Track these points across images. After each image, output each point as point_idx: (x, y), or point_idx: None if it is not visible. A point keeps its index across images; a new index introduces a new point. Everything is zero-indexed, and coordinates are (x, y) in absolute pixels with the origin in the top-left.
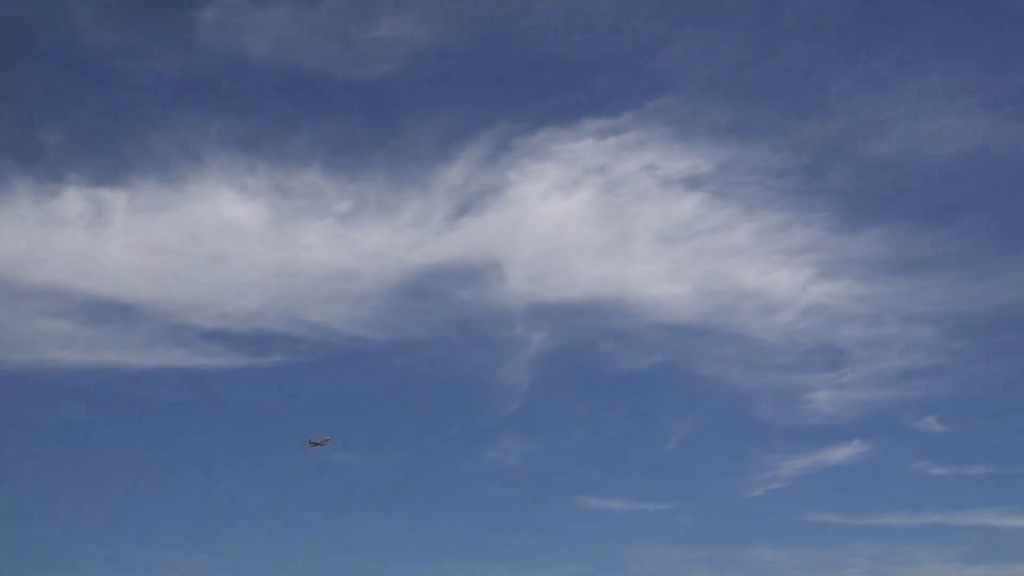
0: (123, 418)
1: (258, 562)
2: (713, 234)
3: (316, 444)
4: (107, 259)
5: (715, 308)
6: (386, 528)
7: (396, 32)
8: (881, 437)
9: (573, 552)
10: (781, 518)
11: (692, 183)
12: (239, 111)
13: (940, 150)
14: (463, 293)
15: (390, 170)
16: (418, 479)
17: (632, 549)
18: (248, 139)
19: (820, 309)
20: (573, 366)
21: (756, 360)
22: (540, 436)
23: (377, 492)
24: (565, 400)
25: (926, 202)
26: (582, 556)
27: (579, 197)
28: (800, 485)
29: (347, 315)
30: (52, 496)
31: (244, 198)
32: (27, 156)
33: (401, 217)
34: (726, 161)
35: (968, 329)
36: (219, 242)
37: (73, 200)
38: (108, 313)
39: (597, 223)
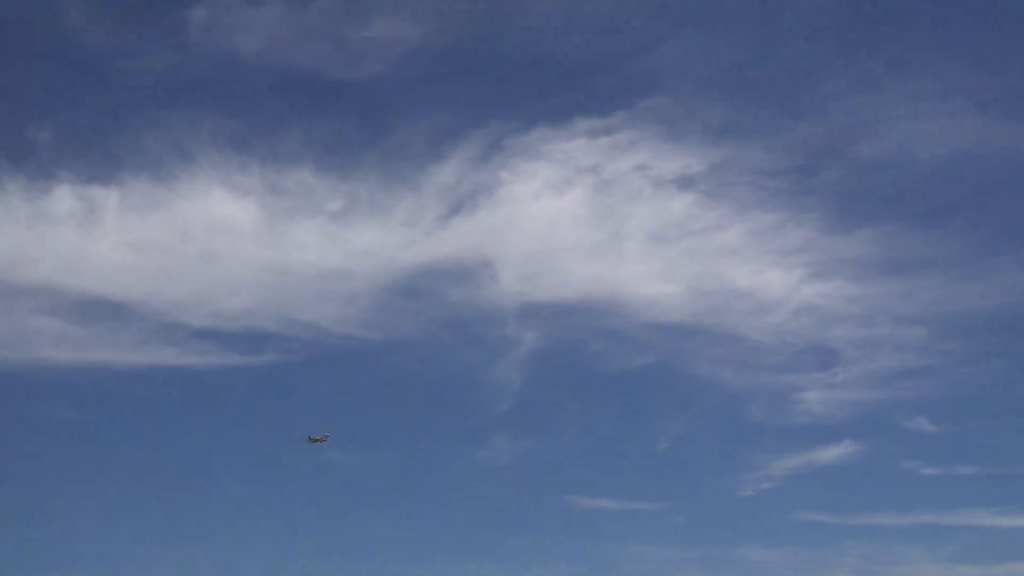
0: (114, 416)
1: (249, 560)
2: (705, 234)
3: (316, 440)
4: (98, 257)
5: (707, 308)
6: (377, 527)
7: (388, 32)
8: (872, 437)
9: (565, 551)
10: (772, 517)
11: (684, 183)
12: (231, 110)
13: (932, 151)
14: (455, 292)
15: (382, 169)
16: (409, 478)
17: (624, 548)
18: (240, 138)
19: (812, 309)
20: (565, 365)
21: (748, 360)
22: (532, 435)
23: (368, 491)
24: (557, 399)
25: (918, 203)
26: (574, 555)
27: (571, 197)
28: (791, 485)
29: (339, 314)
30: (43, 494)
31: (236, 197)
32: (18, 154)
33: (393, 216)
34: (718, 161)
35: (959, 330)
36: (211, 241)
37: (64, 198)
38: (99, 311)
39: (589, 223)
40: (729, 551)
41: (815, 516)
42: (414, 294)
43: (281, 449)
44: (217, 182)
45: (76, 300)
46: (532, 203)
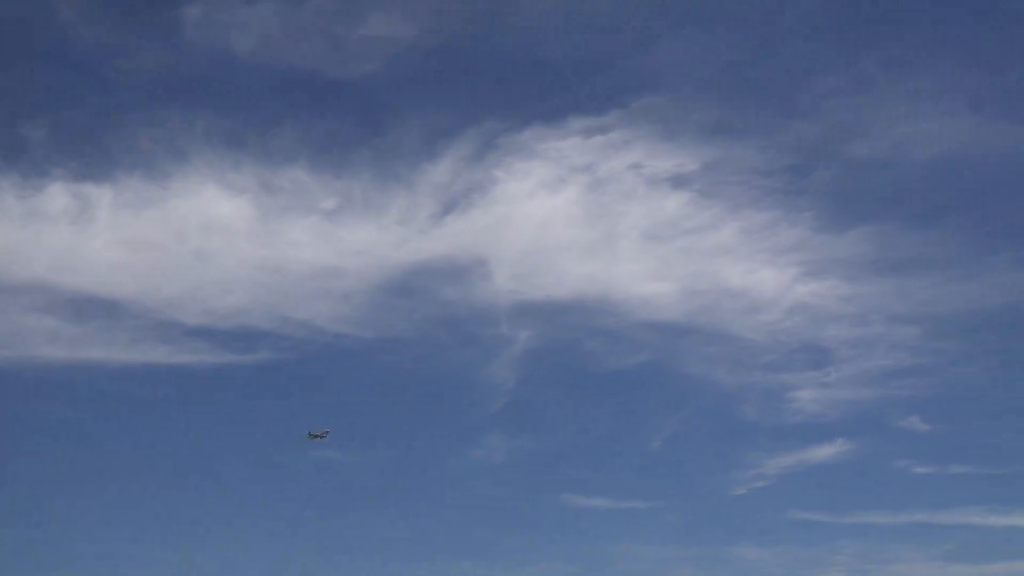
0: (108, 415)
1: (241, 558)
2: (699, 233)
3: (316, 436)
4: (92, 255)
5: (700, 307)
6: (370, 525)
7: (382, 30)
8: (865, 436)
9: (559, 550)
10: (766, 516)
11: (678, 182)
12: (225, 108)
13: (926, 151)
14: (449, 291)
15: (376, 168)
16: (403, 477)
17: (618, 547)
18: (234, 136)
19: (805, 308)
20: (559, 364)
21: (741, 359)
22: (526, 434)
23: (360, 489)
24: (551, 398)
25: (911, 202)
26: (568, 554)
27: (565, 196)
28: (784, 483)
29: (332, 312)
30: (35, 493)
31: (229, 195)
32: (11, 151)
33: (387, 215)
34: (712, 160)
35: (953, 329)
36: (204, 239)
37: (58, 196)
38: (92, 309)
39: (583, 222)
40: (723, 550)
41: (808, 515)
42: (408, 293)
43: (274, 447)
44: (211, 180)
45: (69, 298)
46: (526, 202)
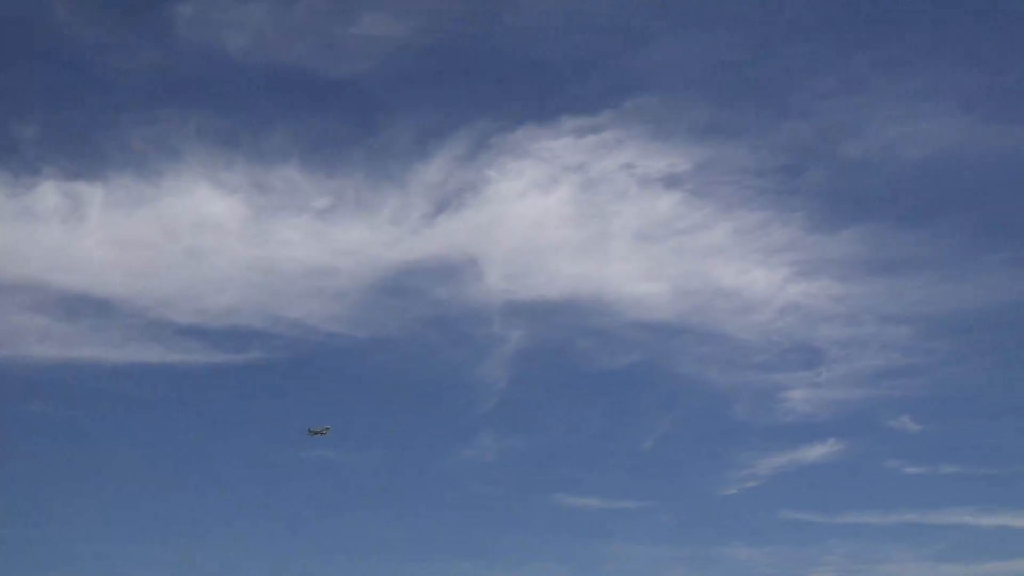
0: (99, 414)
1: (233, 557)
2: (691, 233)
3: (316, 432)
4: (83, 254)
5: (692, 307)
6: (362, 524)
7: (375, 29)
8: (856, 436)
9: (551, 549)
10: (757, 516)
11: (670, 182)
12: (217, 106)
13: (919, 151)
14: (441, 291)
15: (368, 167)
16: (395, 476)
17: (610, 547)
18: (226, 135)
19: (797, 308)
20: (551, 364)
21: (733, 359)
22: (518, 434)
23: (352, 488)
24: (543, 398)
25: (903, 203)
26: (559, 553)
27: (557, 195)
28: (776, 483)
29: (324, 312)
30: (27, 492)
31: (221, 194)
32: (2, 150)
33: (379, 214)
34: (704, 160)
35: (944, 329)
36: (196, 238)
37: (49, 194)
38: (84, 308)
39: (575, 221)
40: (714, 550)
41: (800, 515)
42: (400, 292)
43: (267, 446)
44: (203, 179)
45: (61, 297)
46: (518, 201)
